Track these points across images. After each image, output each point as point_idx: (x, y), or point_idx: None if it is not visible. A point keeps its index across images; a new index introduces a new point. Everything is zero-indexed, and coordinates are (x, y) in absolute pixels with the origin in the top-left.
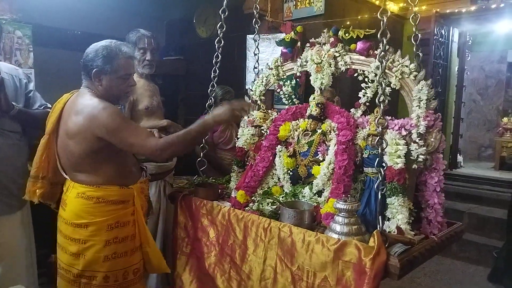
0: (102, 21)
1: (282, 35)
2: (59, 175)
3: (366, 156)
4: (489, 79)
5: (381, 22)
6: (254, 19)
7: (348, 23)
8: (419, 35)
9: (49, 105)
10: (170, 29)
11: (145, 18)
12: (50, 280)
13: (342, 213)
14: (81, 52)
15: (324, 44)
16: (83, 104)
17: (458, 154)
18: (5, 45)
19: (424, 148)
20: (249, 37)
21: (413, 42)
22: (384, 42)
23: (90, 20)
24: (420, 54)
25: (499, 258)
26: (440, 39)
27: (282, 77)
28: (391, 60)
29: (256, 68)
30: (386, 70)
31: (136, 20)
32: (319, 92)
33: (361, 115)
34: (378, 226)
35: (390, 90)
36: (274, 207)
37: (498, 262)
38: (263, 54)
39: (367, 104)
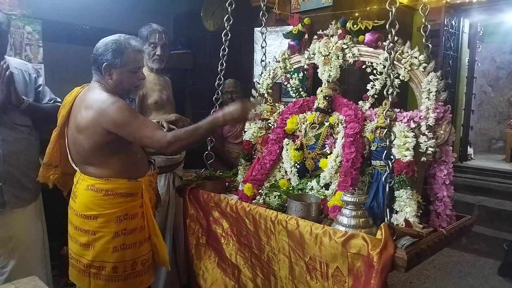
0: (110, 15)
1: (289, 28)
2: (70, 167)
3: (374, 149)
4: (500, 71)
5: (390, 13)
6: (262, 12)
7: (356, 14)
8: (429, 26)
9: (59, 99)
10: (177, 22)
11: (153, 12)
12: (62, 272)
13: (349, 206)
14: (90, 47)
15: (332, 36)
16: (93, 99)
17: (468, 146)
18: (15, 41)
19: (433, 140)
20: (257, 30)
21: (422, 33)
22: (393, 33)
23: (98, 15)
24: (430, 45)
25: (510, 252)
26: (450, 30)
27: (289, 70)
28: (400, 51)
29: (263, 61)
30: (395, 62)
31: (144, 14)
32: (326, 84)
33: (369, 108)
34: (386, 218)
35: (399, 82)
36: (281, 200)
37: (509, 255)
38: (271, 47)
39: (376, 96)
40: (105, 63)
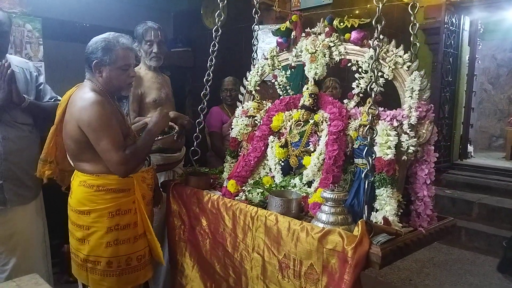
0: (110, 13)
1: None
2: (67, 164)
3: (357, 147)
4: (500, 68)
5: (377, 9)
6: (254, 9)
7: (357, 12)
8: (417, 24)
9: (59, 98)
10: (177, 20)
11: (152, 9)
12: (63, 269)
13: (329, 203)
14: None
15: (320, 33)
16: (79, 97)
17: (468, 144)
18: (16, 39)
19: (415, 139)
20: (257, 28)
21: (411, 31)
22: (379, 29)
23: (98, 13)
24: (417, 43)
25: (508, 248)
26: (451, 27)
27: (277, 67)
28: (385, 50)
29: (254, 59)
30: (380, 60)
31: (144, 11)
32: (313, 82)
33: (354, 106)
34: (364, 215)
35: (384, 81)
36: (263, 196)
37: (507, 252)
38: (271, 45)
39: (361, 95)
40: (94, 61)
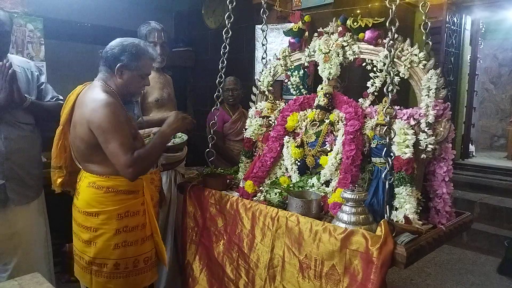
0: (111, 13)
1: (290, 25)
2: (75, 165)
3: (374, 146)
4: (502, 68)
5: (390, 10)
6: (262, 9)
7: (358, 11)
8: (429, 23)
9: (61, 97)
10: (178, 20)
11: (154, 9)
12: (64, 269)
13: (350, 203)
14: (92, 45)
15: (332, 33)
16: (90, 97)
17: (470, 144)
18: (17, 38)
19: (433, 137)
20: (258, 27)
21: (422, 30)
22: (393, 30)
23: (100, 13)
24: (430, 42)
25: (509, 249)
26: (452, 27)
27: (290, 67)
28: (400, 49)
29: (264, 58)
30: (395, 59)
31: (145, 11)
32: (327, 82)
33: (369, 105)
34: (386, 215)
35: (399, 80)
36: (282, 197)
37: (508, 253)
38: (272, 45)
39: (376, 94)
40: (119, 63)
